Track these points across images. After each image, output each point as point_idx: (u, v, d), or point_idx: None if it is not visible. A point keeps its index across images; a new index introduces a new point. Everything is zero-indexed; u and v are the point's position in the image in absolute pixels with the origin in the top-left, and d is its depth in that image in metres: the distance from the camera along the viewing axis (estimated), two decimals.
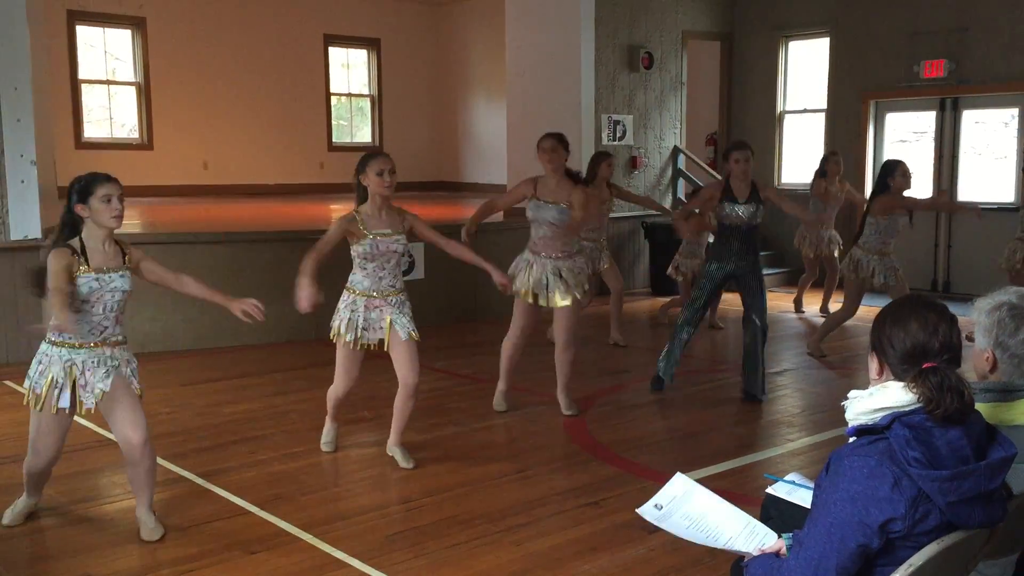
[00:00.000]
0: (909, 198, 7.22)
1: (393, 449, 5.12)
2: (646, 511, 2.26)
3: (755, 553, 2.28)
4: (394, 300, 4.86)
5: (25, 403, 3.99)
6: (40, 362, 3.94)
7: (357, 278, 4.86)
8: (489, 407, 6.18)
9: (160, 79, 14.59)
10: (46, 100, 8.26)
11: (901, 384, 2.16)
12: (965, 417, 2.10)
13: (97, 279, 3.86)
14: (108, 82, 14.59)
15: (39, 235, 7.38)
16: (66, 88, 13.74)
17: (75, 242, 3.87)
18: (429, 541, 4.06)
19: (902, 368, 2.19)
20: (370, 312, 4.82)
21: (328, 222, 11.69)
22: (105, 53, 14.56)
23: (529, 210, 5.79)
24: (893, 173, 7.13)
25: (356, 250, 4.79)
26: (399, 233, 4.82)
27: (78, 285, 3.82)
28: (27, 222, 7.38)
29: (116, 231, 3.97)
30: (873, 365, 2.28)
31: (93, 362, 3.90)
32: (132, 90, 14.68)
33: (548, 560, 3.88)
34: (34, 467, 4.15)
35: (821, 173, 9.28)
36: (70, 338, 3.85)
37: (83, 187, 3.86)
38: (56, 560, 3.92)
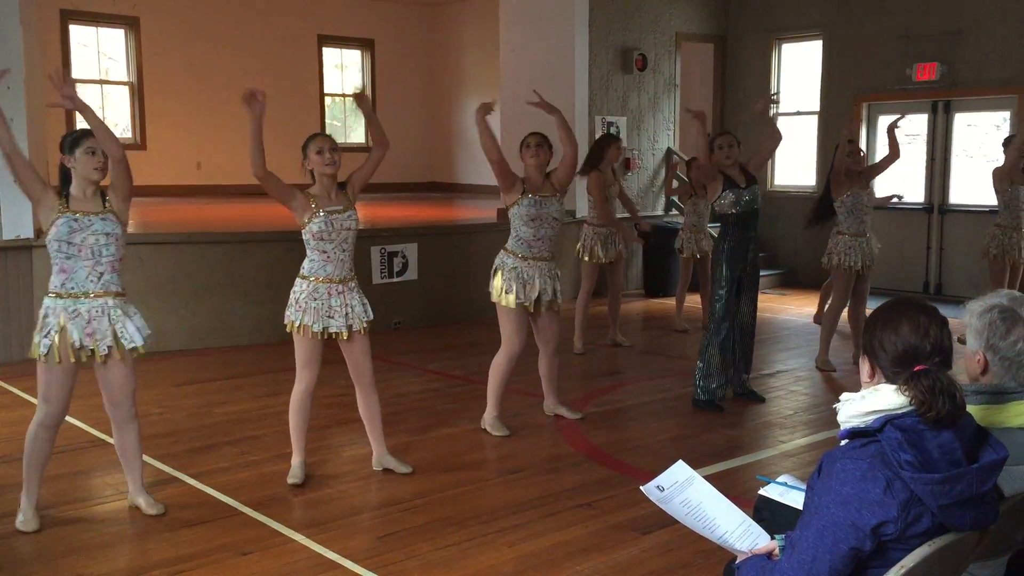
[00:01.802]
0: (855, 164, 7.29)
1: (386, 459, 5.00)
2: (649, 491, 2.27)
3: (747, 552, 2.28)
4: (354, 285, 4.73)
5: (30, 355, 4.14)
6: (45, 315, 4.07)
7: (317, 264, 4.64)
8: (482, 408, 6.17)
9: (153, 79, 14.55)
10: (39, 99, 8.24)
11: (893, 387, 2.17)
12: (957, 420, 2.11)
13: (76, 219, 4.03)
14: (101, 82, 14.55)
15: (31, 235, 7.37)
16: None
17: (64, 191, 4.12)
18: (421, 542, 4.06)
19: (893, 371, 2.19)
20: (334, 298, 4.64)
21: None
22: (98, 53, 14.52)
23: (528, 208, 5.52)
24: (836, 151, 7.34)
25: (310, 231, 4.60)
26: (351, 209, 4.72)
27: (58, 226, 4.00)
28: (19, 222, 7.36)
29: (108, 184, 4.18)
30: (865, 368, 2.28)
31: (97, 311, 4.07)
32: (125, 90, 14.64)
33: (541, 561, 3.88)
34: (45, 419, 4.18)
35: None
36: (72, 288, 4.03)
37: (72, 140, 4.13)
38: (47, 561, 3.90)
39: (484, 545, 4.04)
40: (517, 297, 5.51)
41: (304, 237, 4.67)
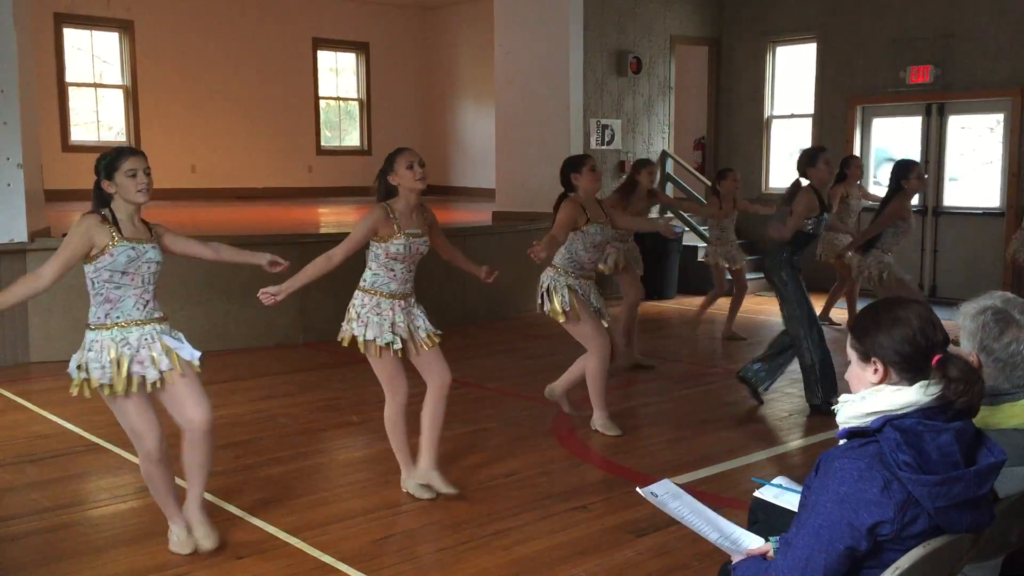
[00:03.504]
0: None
1: (430, 474, 4.66)
2: (646, 493, 2.28)
3: (743, 553, 2.28)
4: (413, 301, 4.61)
5: (77, 393, 3.83)
6: (91, 350, 3.79)
7: (381, 279, 4.48)
8: (477, 411, 6.17)
9: (147, 82, 14.55)
10: (33, 103, 8.23)
11: (893, 387, 2.17)
12: (979, 405, 2.13)
13: (133, 248, 3.80)
14: (95, 85, 14.54)
15: (25, 238, 7.35)
16: (53, 91, 13.69)
17: (107, 213, 3.82)
18: (417, 545, 4.06)
19: (915, 367, 2.18)
20: (400, 313, 4.49)
21: (317, 225, 11.69)
22: (92, 56, 14.51)
23: (595, 236, 5.54)
24: (908, 175, 7.02)
25: (385, 249, 4.41)
26: (426, 234, 4.55)
27: (115, 255, 3.76)
28: (13, 225, 7.34)
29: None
30: (870, 374, 2.23)
31: (147, 339, 3.85)
32: (119, 93, 14.63)
33: (536, 564, 3.88)
34: (147, 456, 3.91)
35: (840, 178, 8.72)
36: (118, 318, 3.81)
37: (109, 163, 3.82)
38: (43, 566, 3.89)
39: (479, 548, 4.03)
40: (580, 304, 5.53)
41: (374, 250, 4.45)
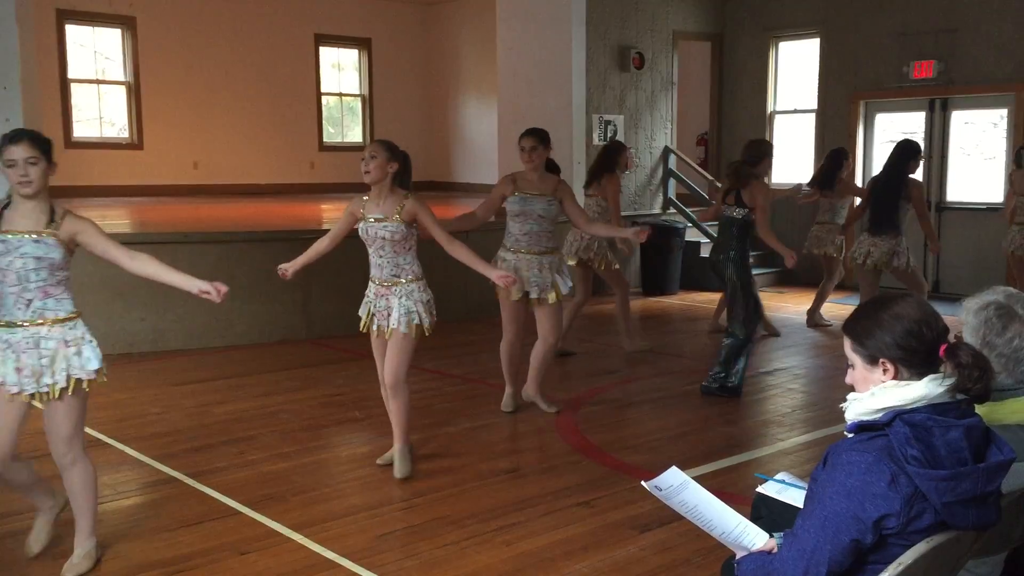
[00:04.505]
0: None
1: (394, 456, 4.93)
2: (650, 487, 2.28)
3: (748, 549, 2.28)
4: (399, 290, 4.74)
5: None
6: None
7: (370, 264, 4.85)
8: (480, 407, 6.18)
9: (150, 79, 14.54)
10: (35, 99, 8.23)
11: (903, 382, 2.17)
12: (991, 389, 2.15)
13: (3, 241, 3.45)
14: (98, 81, 14.53)
15: None
16: (55, 87, 13.68)
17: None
18: (420, 541, 4.06)
19: (923, 361, 2.18)
20: (379, 300, 4.79)
21: (319, 221, 11.70)
22: (95, 52, 14.50)
23: (514, 205, 5.70)
24: (918, 156, 7.12)
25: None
26: (392, 220, 4.64)
27: None
28: None
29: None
30: (879, 375, 2.22)
31: (28, 343, 3.51)
32: (122, 89, 14.62)
33: (539, 560, 3.88)
34: None
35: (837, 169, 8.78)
36: (4, 316, 3.50)
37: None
38: (46, 561, 3.90)
39: (482, 544, 4.04)
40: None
41: None
